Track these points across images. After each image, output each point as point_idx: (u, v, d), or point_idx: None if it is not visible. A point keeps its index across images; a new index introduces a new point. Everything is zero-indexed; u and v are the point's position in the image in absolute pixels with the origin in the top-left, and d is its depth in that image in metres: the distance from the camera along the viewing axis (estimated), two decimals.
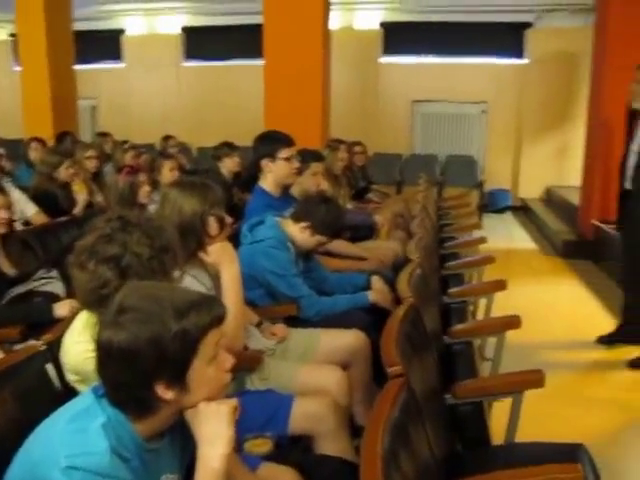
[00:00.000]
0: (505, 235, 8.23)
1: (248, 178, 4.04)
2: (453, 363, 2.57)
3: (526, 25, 9.74)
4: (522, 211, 9.76)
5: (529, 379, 2.07)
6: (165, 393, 1.24)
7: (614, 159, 6.13)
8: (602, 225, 6.52)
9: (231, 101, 10.07)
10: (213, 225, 2.23)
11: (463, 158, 9.93)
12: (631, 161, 4.02)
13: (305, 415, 2.01)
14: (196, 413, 1.28)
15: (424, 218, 3.79)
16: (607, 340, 4.36)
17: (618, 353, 4.21)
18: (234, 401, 1.31)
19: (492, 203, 9.84)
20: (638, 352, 4.09)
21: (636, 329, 4.28)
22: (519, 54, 9.89)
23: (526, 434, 2.11)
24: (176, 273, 1.71)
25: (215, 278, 2.24)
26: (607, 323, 4.61)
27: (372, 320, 2.89)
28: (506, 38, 9.94)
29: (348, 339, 2.64)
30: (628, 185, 4.05)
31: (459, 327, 2.68)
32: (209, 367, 1.27)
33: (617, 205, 4.24)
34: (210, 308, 1.27)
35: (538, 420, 2.47)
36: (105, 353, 1.24)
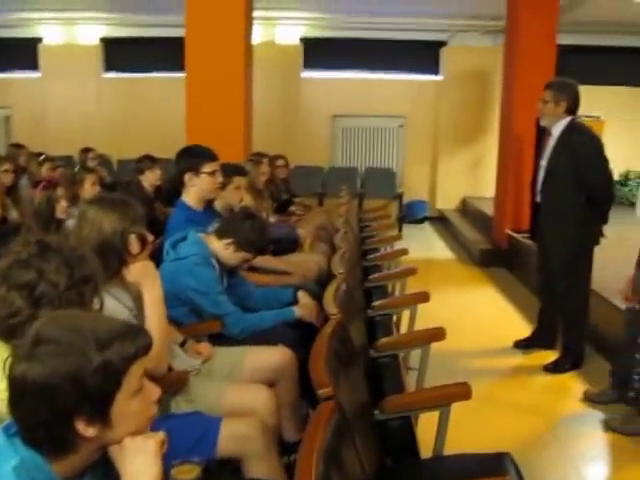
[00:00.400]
0: (424, 245, 8.40)
1: (170, 192, 3.97)
2: (380, 377, 2.59)
3: (441, 43, 10.09)
4: (439, 221, 10.05)
5: (456, 392, 2.10)
6: (86, 430, 1.15)
7: (525, 172, 6.41)
8: (515, 235, 6.78)
9: (152, 113, 9.88)
10: (134, 243, 2.16)
11: (382, 170, 10.15)
12: (540, 175, 4.19)
13: (233, 437, 1.97)
14: (121, 449, 1.21)
15: (347, 231, 3.81)
16: (523, 345, 4.53)
17: (534, 358, 4.38)
18: (161, 435, 1.25)
19: (410, 214, 10.06)
20: (552, 356, 4.26)
21: (549, 334, 4.47)
22: (435, 71, 10.22)
23: (453, 444, 2.14)
24: (96, 303, 1.62)
25: (137, 298, 2.17)
26: (523, 328, 4.78)
27: (298, 335, 2.89)
28: (422, 55, 10.24)
29: (274, 356, 2.61)
30: (539, 198, 4.22)
31: (385, 340, 2.70)
32: (134, 400, 1.20)
33: (530, 217, 4.42)
34: (135, 337, 1.21)
35: (464, 428, 2.52)
36: (18, 389, 1.14)
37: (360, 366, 2.22)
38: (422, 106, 10.12)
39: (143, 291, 2.12)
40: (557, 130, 4.11)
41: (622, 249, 4.27)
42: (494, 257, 7.11)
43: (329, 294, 2.34)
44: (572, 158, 3.98)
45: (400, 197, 9.47)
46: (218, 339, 2.72)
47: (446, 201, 10.13)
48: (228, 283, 2.97)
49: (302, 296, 3.09)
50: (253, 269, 3.57)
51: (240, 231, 2.89)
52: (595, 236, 4.09)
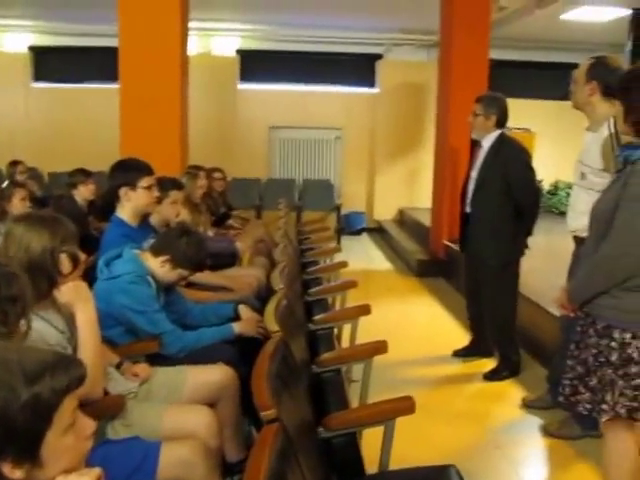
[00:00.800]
0: (363, 257, 8.44)
1: (104, 207, 3.85)
2: (323, 393, 2.56)
3: (377, 57, 10.21)
4: (377, 232, 10.12)
5: (400, 407, 2.08)
6: (13, 473, 1.06)
7: (460, 184, 6.53)
8: (452, 245, 6.88)
9: (85, 125, 9.61)
10: (65, 263, 2.06)
11: (320, 182, 10.16)
12: (471, 186, 4.26)
13: (174, 462, 1.90)
14: None
15: (286, 244, 3.78)
16: (462, 354, 4.60)
17: (473, 366, 4.45)
18: (97, 471, 1.17)
19: (348, 225, 10.11)
20: (491, 364, 4.33)
21: (486, 343, 4.54)
22: (371, 84, 10.33)
23: (398, 457, 2.12)
24: (23, 325, 1.52)
25: (70, 319, 2.08)
26: (461, 337, 4.84)
27: (239, 352, 2.85)
28: (359, 68, 10.36)
29: (215, 375, 2.56)
30: (468, 209, 4.29)
31: (327, 356, 2.67)
32: (66, 436, 1.11)
33: (460, 227, 4.49)
34: (67, 368, 1.11)
35: (408, 441, 2.51)
36: None
37: (303, 383, 2.19)
38: (359, 118, 10.21)
39: (76, 312, 2.03)
40: (487, 142, 4.20)
41: (555, 257, 4.39)
42: (432, 267, 7.20)
43: (270, 310, 2.30)
44: (502, 170, 4.08)
45: (338, 209, 9.50)
46: (156, 359, 2.65)
47: (383, 212, 10.22)
48: (165, 301, 2.89)
49: (243, 311, 3.04)
50: (191, 285, 3.50)
51: (176, 247, 2.82)
52: (521, 247, 4.20)
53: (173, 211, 3.80)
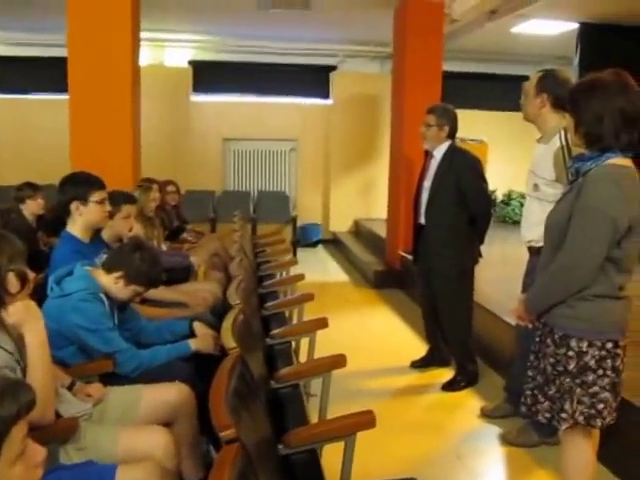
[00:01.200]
0: (319, 269, 8.43)
1: (54, 221, 3.75)
2: (282, 408, 2.52)
3: (331, 68, 10.23)
4: (333, 244, 10.12)
5: (360, 421, 2.06)
6: None
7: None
8: (407, 255, 6.91)
9: (32, 137, 9.37)
10: (13, 282, 1.98)
11: (275, 194, 10.13)
12: (424, 197, 4.29)
13: None
14: None
15: (242, 258, 3.73)
16: (419, 365, 4.61)
17: (431, 376, 4.46)
18: None
19: (304, 237, 10.08)
20: (448, 374, 4.35)
21: (443, 353, 4.57)
22: (325, 95, 10.34)
23: (359, 471, 2.11)
24: None
25: (19, 340, 1.99)
26: (419, 347, 4.85)
27: (196, 369, 2.79)
28: (313, 80, 10.35)
29: (171, 394, 2.50)
30: (422, 220, 4.31)
31: (286, 371, 2.64)
32: (15, 466, 1.05)
33: (413, 239, 4.50)
34: (16, 395, 1.06)
35: (369, 454, 2.49)
36: None
37: (262, 400, 2.15)
38: (313, 130, 10.22)
39: (25, 333, 1.95)
40: (439, 153, 4.24)
41: (509, 267, 4.46)
42: (388, 278, 7.21)
43: (227, 326, 2.25)
44: (455, 180, 4.12)
45: (294, 221, 9.45)
46: (110, 379, 2.57)
47: (339, 224, 10.22)
48: (119, 318, 2.81)
49: (198, 327, 2.98)
50: (145, 301, 3.42)
51: (130, 263, 2.75)
52: (475, 256, 4.24)
53: (126, 226, 3.74)
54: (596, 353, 2.25)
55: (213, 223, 8.69)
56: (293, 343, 3.58)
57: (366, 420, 2.05)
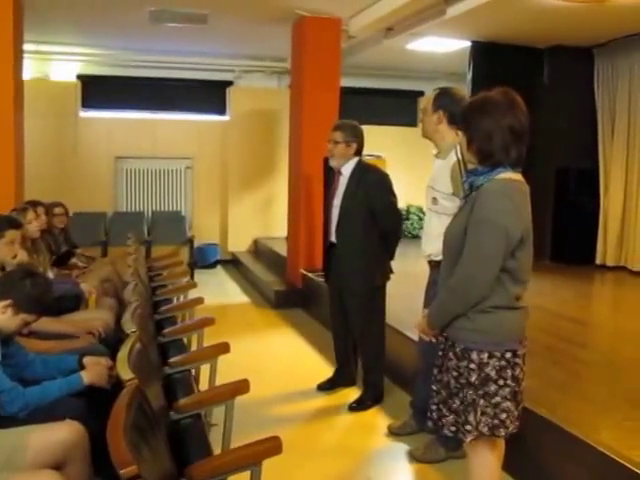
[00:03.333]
0: (218, 291, 8.21)
1: None
2: (184, 440, 2.37)
3: (227, 83, 10.07)
4: (232, 264, 9.91)
5: (266, 449, 1.96)
6: None
7: (316, 211, 6.52)
8: (309, 274, 6.87)
9: None
10: None
11: (171, 214, 9.79)
12: (334, 215, 4.24)
13: None
14: None
15: (137, 283, 3.53)
16: (326, 387, 4.52)
17: (338, 397, 4.39)
18: None
19: (202, 258, 9.81)
20: (355, 394, 4.30)
21: (349, 372, 4.52)
22: (222, 111, 10.16)
23: None
24: None
25: None
26: (324, 367, 4.78)
27: (89, 405, 2.59)
28: (209, 95, 10.15)
29: (61, 433, 2.30)
30: (333, 238, 4.26)
31: (186, 400, 2.49)
32: None
33: (323, 256, 4.44)
34: None
35: None
36: None
37: (162, 433, 1.99)
38: (209, 147, 10.00)
39: None
40: (347, 170, 4.20)
41: (410, 281, 4.48)
42: (290, 298, 7.11)
43: (122, 357, 2.09)
44: (365, 197, 4.08)
45: (191, 241, 9.13)
46: None
47: (238, 243, 10.00)
48: (3, 353, 2.57)
49: (89, 360, 2.77)
50: (32, 334, 3.17)
51: (19, 290, 2.58)
52: (387, 273, 4.22)
53: (10, 252, 3.50)
54: (496, 364, 2.27)
55: (105, 246, 8.28)
56: (193, 370, 3.44)
57: (272, 446, 1.96)
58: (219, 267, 9.96)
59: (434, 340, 2.47)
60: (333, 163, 4.26)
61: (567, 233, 7.91)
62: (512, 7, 6.08)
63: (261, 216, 9.96)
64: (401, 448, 3.58)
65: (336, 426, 4.01)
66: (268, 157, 9.80)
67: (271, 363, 5.20)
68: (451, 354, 2.34)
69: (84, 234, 8.15)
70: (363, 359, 4.37)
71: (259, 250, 9.79)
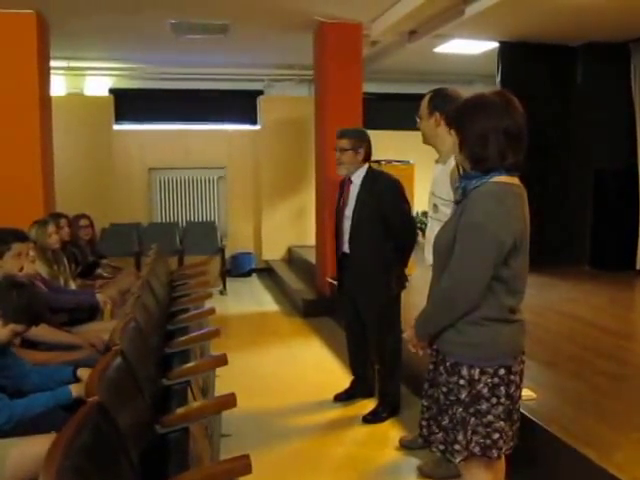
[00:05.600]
0: (250, 299, 8.22)
1: None
2: (166, 456, 2.34)
3: (257, 93, 10.10)
4: (266, 273, 9.88)
5: (235, 467, 1.91)
6: None
7: None
8: (335, 282, 6.76)
9: None
10: None
11: (204, 224, 9.82)
12: (346, 226, 4.15)
13: None
14: None
15: (141, 295, 3.52)
16: (344, 398, 4.44)
17: (354, 409, 4.31)
18: None
19: (237, 267, 9.85)
20: (372, 405, 4.21)
21: (366, 383, 4.43)
22: (253, 120, 10.17)
23: None
24: None
25: None
26: (345, 379, 4.68)
27: None
28: (239, 105, 10.19)
29: (44, 446, 2.21)
30: (346, 249, 4.17)
31: (171, 415, 2.46)
32: None
33: (337, 268, 4.35)
34: None
35: None
36: None
37: (128, 456, 1.93)
38: (242, 156, 10.03)
39: None
40: (358, 178, 4.11)
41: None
42: (318, 306, 7.03)
43: (93, 373, 2.05)
44: (377, 205, 3.97)
45: (222, 251, 9.11)
46: None
47: (272, 252, 9.99)
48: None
49: (83, 373, 2.76)
50: (32, 345, 3.19)
51: (6, 301, 2.60)
52: (402, 282, 4.10)
53: (17, 265, 3.53)
54: (489, 381, 2.14)
55: (138, 257, 8.38)
56: (200, 381, 3.42)
57: (241, 466, 1.90)
58: (254, 276, 9.97)
59: (421, 352, 2.36)
60: (342, 172, 4.16)
61: (607, 238, 7.59)
62: (531, 4, 5.88)
63: (295, 224, 9.91)
64: (411, 462, 3.47)
65: (347, 438, 3.92)
66: (300, 165, 9.73)
67: (292, 372, 5.14)
68: (441, 368, 2.22)
69: (118, 245, 8.31)
70: (379, 370, 4.27)
71: (293, 258, 9.75)
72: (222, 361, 2.99)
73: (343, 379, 4.70)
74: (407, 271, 4.15)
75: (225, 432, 3.75)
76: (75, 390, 2.62)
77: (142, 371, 2.60)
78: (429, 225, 3.25)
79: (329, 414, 4.29)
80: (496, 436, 2.16)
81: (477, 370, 2.13)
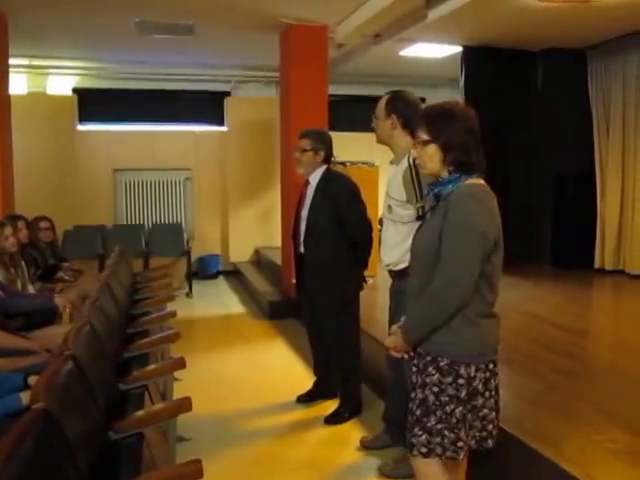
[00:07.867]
0: (217, 301, 8.18)
1: None
2: (118, 462, 2.31)
3: (225, 94, 10.04)
4: (234, 275, 9.83)
5: (185, 472, 1.89)
6: None
7: None
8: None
9: None
10: None
11: (170, 226, 9.74)
12: (302, 226, 4.15)
13: None
14: None
15: (99, 298, 3.48)
16: (306, 399, 4.45)
17: (316, 410, 4.32)
18: None
19: (203, 269, 9.80)
20: (333, 406, 4.21)
21: (328, 384, 4.43)
22: (220, 121, 10.12)
23: None
24: None
25: None
26: (308, 380, 4.68)
27: None
28: (207, 106, 10.13)
29: None
30: (302, 250, 4.17)
31: (124, 421, 2.43)
32: None
33: (295, 269, 4.34)
34: None
35: None
36: None
37: (74, 464, 1.90)
38: (208, 158, 9.98)
39: None
40: (315, 179, 4.12)
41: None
42: (284, 308, 7.00)
43: (39, 380, 2.02)
44: (332, 206, 3.97)
45: (188, 253, 9.04)
46: None
47: (239, 253, 9.95)
48: None
49: (33, 380, 2.70)
50: None
51: None
52: (359, 283, 4.11)
53: None
54: (482, 376, 2.20)
55: (102, 259, 8.26)
56: (160, 385, 3.39)
57: (192, 471, 1.88)
58: (221, 278, 9.92)
59: (406, 357, 2.35)
60: (300, 171, 4.18)
61: (567, 238, 7.74)
62: (492, 9, 5.96)
63: (262, 226, 9.89)
64: (372, 463, 3.48)
65: (309, 440, 3.92)
66: (267, 166, 9.69)
67: (256, 374, 5.14)
68: (431, 369, 2.21)
69: (81, 247, 8.20)
70: (338, 371, 4.28)
71: (260, 260, 9.71)
72: (180, 364, 2.97)
73: (306, 380, 4.70)
74: (367, 272, 4.17)
75: (185, 436, 3.73)
76: (25, 398, 2.57)
77: (96, 376, 2.57)
78: (384, 226, 3.25)
79: (291, 416, 4.29)
80: (490, 427, 2.25)
81: (473, 367, 2.19)
